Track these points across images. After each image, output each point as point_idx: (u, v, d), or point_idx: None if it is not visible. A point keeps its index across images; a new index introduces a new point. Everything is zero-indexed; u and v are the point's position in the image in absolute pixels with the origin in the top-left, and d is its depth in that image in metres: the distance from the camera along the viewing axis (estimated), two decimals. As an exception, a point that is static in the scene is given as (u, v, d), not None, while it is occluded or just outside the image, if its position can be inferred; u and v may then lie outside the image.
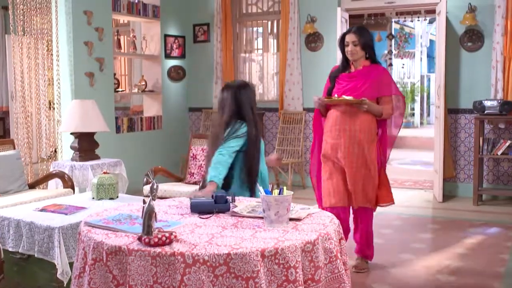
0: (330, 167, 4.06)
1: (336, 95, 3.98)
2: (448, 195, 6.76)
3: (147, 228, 1.90)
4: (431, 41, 16.35)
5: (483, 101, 6.31)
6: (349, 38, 3.95)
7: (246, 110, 3.31)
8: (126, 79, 9.29)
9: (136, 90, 7.81)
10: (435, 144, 6.84)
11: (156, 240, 1.90)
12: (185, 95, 8.28)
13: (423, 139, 12.01)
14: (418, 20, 9.77)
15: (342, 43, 4.04)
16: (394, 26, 12.15)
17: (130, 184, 5.90)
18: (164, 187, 4.94)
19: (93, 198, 4.29)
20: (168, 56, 7.94)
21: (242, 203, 2.68)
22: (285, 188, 2.31)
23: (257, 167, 3.28)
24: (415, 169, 9.28)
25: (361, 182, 4.00)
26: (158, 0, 7.71)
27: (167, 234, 1.93)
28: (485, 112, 6.29)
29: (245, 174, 3.25)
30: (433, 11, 7.46)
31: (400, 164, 9.74)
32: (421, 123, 14.37)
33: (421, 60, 15.01)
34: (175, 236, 1.98)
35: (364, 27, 4.12)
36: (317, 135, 4.26)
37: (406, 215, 5.96)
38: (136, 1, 7.46)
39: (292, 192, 2.32)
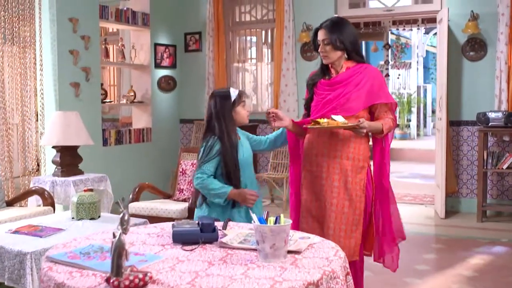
0: (305, 204, 3.28)
1: (325, 120, 3.01)
2: (450, 210, 6.46)
3: (117, 268, 1.58)
4: (427, 52, 16.16)
5: (487, 113, 6.02)
6: (319, 35, 3.16)
7: (217, 123, 3.06)
8: (115, 89, 8.96)
9: (124, 101, 7.50)
10: (437, 157, 6.55)
11: (127, 283, 1.58)
12: (176, 106, 7.96)
13: (421, 151, 11.73)
14: (418, 28, 9.49)
15: (316, 41, 3.24)
16: (390, 36, 11.90)
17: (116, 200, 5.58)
18: (151, 205, 4.61)
19: (72, 218, 3.97)
20: (158, 65, 7.63)
21: (233, 230, 2.36)
22: (282, 216, 1.99)
23: (238, 176, 3.05)
24: (414, 182, 8.98)
25: (342, 230, 3.14)
26: (148, 8, 7.42)
27: (140, 275, 1.61)
28: (489, 124, 6.00)
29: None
30: (432, 20, 7.20)
31: (398, 178, 9.44)
32: (418, 135, 14.10)
33: (417, 71, 14.77)
34: (151, 277, 1.65)
35: (340, 20, 3.23)
36: (293, 164, 3.40)
37: (407, 233, 5.62)
38: (125, 8, 7.17)
39: (291, 221, 1.99)
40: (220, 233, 2.24)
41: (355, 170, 3.14)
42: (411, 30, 11.54)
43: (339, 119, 3.02)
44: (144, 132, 7.41)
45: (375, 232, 3.27)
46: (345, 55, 3.15)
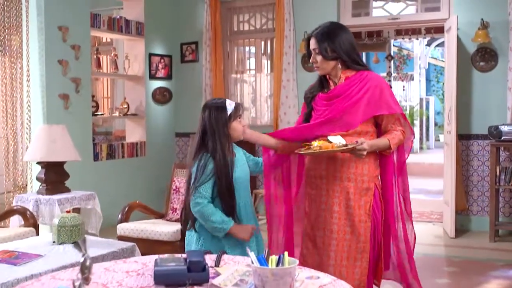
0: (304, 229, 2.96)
1: (316, 142, 2.67)
2: (459, 229, 6.10)
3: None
4: (429, 64, 15.88)
5: (499, 126, 5.69)
6: (311, 44, 2.86)
7: (210, 138, 2.69)
8: (109, 101, 8.63)
9: (117, 113, 7.16)
10: (446, 173, 6.21)
11: None
12: (171, 119, 7.62)
13: (425, 165, 11.38)
14: (425, 37, 9.16)
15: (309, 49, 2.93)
16: (392, 48, 11.62)
17: (106, 219, 5.24)
18: (141, 227, 4.25)
19: (53, 242, 3.62)
20: (153, 77, 7.30)
21: (228, 267, 2.01)
22: (286, 254, 1.64)
23: (232, 198, 2.69)
24: (419, 198, 8.62)
25: (344, 259, 2.80)
26: (142, 17, 7.11)
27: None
28: (502, 138, 5.67)
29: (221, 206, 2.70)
30: (439, 29, 6.90)
31: (403, 193, 9.08)
32: (421, 148, 13.76)
33: (419, 82, 14.48)
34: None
35: (333, 26, 2.88)
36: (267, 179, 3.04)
37: (416, 254, 5.25)
38: (118, 17, 6.86)
39: (297, 261, 1.64)
40: (211, 271, 1.89)
41: (359, 192, 2.80)
42: (415, 39, 11.28)
43: (336, 139, 2.67)
44: (138, 146, 7.07)
45: (396, 260, 2.95)
46: (339, 65, 2.82)
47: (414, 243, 3.06)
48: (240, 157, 2.87)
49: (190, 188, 2.68)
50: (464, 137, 6.19)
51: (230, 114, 2.74)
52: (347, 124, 2.78)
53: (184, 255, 1.93)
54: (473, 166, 6.22)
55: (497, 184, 5.73)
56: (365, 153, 2.67)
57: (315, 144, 2.67)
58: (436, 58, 16.77)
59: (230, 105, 2.76)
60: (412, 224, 3.03)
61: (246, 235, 2.66)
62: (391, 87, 9.25)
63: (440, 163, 11.22)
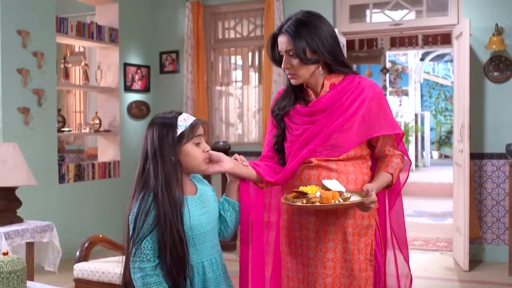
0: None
1: (309, 188, 2.05)
2: (472, 259, 5.39)
3: None
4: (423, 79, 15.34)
5: (519, 144, 5.04)
6: (280, 43, 2.16)
7: (152, 168, 1.92)
8: (81, 116, 7.89)
9: (87, 129, 6.41)
10: (457, 197, 5.52)
11: None
12: (149, 135, 6.88)
13: (423, 185, 10.71)
14: (430, 44, 8.49)
15: (275, 52, 2.24)
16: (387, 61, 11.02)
17: (70, 252, 4.49)
18: (102, 268, 3.48)
19: (-15, 292, 2.86)
20: (128, 89, 6.58)
21: None
22: None
23: (182, 259, 1.91)
24: (422, 222, 7.91)
25: None
26: (117, 22, 6.41)
27: None
28: (522, 157, 5.01)
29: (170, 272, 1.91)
30: (446, 39, 6.27)
31: (402, 216, 8.39)
32: (417, 166, 13.12)
33: (414, 97, 13.89)
34: None
35: (309, 17, 2.15)
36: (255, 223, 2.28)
37: (428, 293, 4.57)
38: (89, 22, 6.15)
39: None
40: None
41: (358, 231, 2.14)
42: (410, 51, 10.73)
43: (332, 185, 2.02)
44: (110, 166, 6.33)
45: None
46: (320, 70, 2.14)
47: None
48: (207, 196, 2.09)
49: (129, 243, 1.93)
50: (476, 156, 5.52)
51: (182, 133, 1.97)
52: (338, 147, 2.12)
53: None
54: (487, 188, 5.54)
55: (516, 209, 5.06)
56: (373, 206, 2.03)
57: (317, 193, 1.99)
58: (428, 73, 16.24)
59: (183, 121, 1.98)
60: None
61: None
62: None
63: (440, 182, 10.63)
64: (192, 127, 1.99)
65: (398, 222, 2.33)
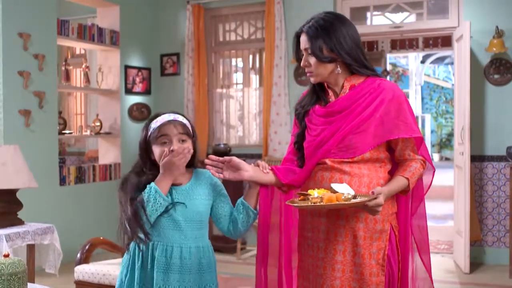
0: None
1: (316, 192, 2.03)
2: (473, 262, 5.39)
3: None
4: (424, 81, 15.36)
5: (520, 147, 5.04)
6: (301, 42, 2.21)
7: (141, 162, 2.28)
8: (82, 118, 7.90)
9: (88, 132, 6.42)
10: (458, 199, 5.52)
11: None
12: (150, 138, 6.89)
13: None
14: (430, 46, 8.49)
15: (299, 51, 2.26)
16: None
17: (71, 255, 4.49)
18: (103, 270, 3.49)
19: (-15, 295, 2.86)
20: (129, 91, 6.59)
21: None
22: None
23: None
24: (422, 224, 7.91)
25: None
26: (118, 25, 6.41)
27: None
28: (523, 160, 5.01)
29: None
30: (446, 42, 6.28)
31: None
32: (417, 168, 13.12)
33: (415, 100, 13.90)
34: None
35: (331, 18, 2.17)
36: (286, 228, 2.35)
37: (429, 295, 4.56)
38: (90, 24, 6.16)
39: None
40: None
41: (370, 235, 2.12)
42: (411, 54, 10.72)
43: (341, 188, 2.00)
44: (111, 168, 6.33)
45: None
46: (339, 69, 2.14)
47: None
48: (193, 192, 2.21)
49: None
50: (477, 158, 5.52)
51: (150, 134, 2.17)
52: (353, 148, 2.11)
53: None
54: (487, 191, 5.54)
55: (517, 212, 5.06)
56: (380, 209, 1.99)
57: (315, 194, 2.00)
58: (428, 75, 16.26)
59: (154, 123, 2.18)
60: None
61: (169, 167, 2.11)
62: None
63: (440, 185, 10.58)
64: (159, 128, 2.16)
65: (419, 227, 2.28)
